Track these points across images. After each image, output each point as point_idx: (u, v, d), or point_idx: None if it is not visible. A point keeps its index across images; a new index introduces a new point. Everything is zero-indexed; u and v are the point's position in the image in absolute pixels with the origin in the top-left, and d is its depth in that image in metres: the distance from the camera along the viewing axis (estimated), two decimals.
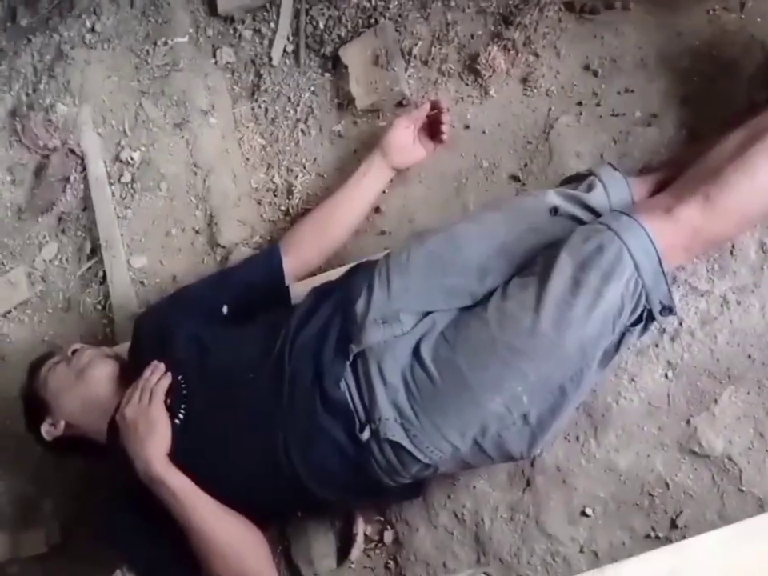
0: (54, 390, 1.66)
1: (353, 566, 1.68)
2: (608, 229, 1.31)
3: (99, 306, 2.09)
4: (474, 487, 1.58)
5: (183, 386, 1.56)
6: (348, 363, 1.42)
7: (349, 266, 1.64)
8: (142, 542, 1.58)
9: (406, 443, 1.37)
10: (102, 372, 1.65)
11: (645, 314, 1.34)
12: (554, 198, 1.43)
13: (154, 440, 1.49)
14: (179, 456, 1.50)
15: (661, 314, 1.34)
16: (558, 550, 1.49)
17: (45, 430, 1.68)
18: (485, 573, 1.31)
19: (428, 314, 1.43)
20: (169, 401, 1.54)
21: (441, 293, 1.44)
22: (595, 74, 1.62)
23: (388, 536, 1.66)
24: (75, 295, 2.13)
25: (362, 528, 1.68)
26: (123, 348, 1.83)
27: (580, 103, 1.63)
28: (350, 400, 1.41)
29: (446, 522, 1.60)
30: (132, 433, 1.51)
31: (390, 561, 1.66)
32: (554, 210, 1.42)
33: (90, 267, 2.12)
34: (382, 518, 1.67)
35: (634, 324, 1.35)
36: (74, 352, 1.69)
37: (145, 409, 1.52)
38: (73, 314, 2.13)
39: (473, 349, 1.36)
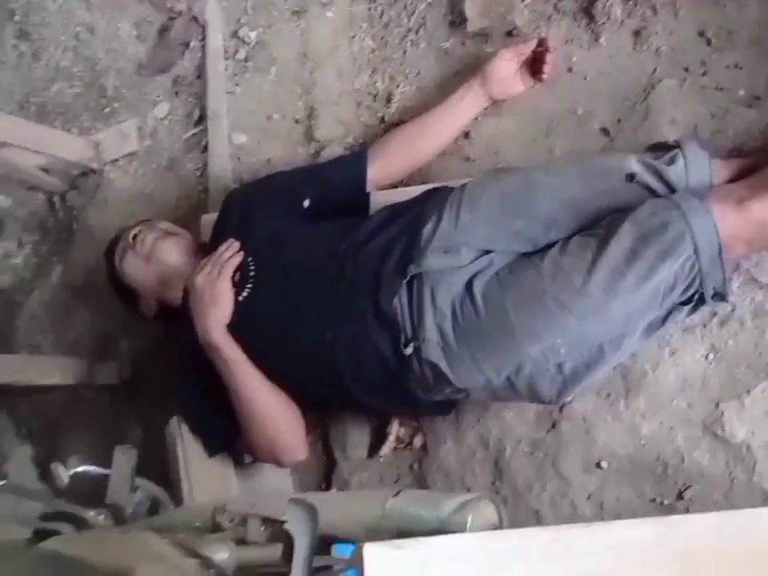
0: (133, 278, 1.82)
1: (381, 459, 1.81)
2: (677, 208, 1.32)
3: (197, 173, 2.20)
4: (504, 417, 1.67)
5: (252, 267, 1.67)
6: (405, 282, 1.50)
7: (426, 187, 1.69)
8: (196, 399, 1.76)
9: (443, 366, 1.46)
10: (167, 251, 1.79)
11: (696, 296, 1.37)
12: (633, 164, 1.43)
13: (216, 309, 1.62)
14: (237, 330, 1.63)
15: (712, 299, 1.37)
16: (567, 492, 1.58)
17: (142, 310, 1.86)
18: (489, 499, 1.41)
19: (487, 252, 1.49)
20: (237, 278, 1.66)
21: (505, 234, 1.49)
22: (708, 42, 1.58)
23: (417, 441, 1.78)
24: (178, 157, 2.25)
25: (395, 429, 1.80)
26: (212, 217, 1.95)
27: (686, 69, 1.59)
28: (400, 316, 1.49)
29: (472, 442, 1.70)
30: (198, 299, 1.64)
31: (414, 464, 1.78)
32: (631, 177, 1.43)
33: (195, 134, 2.22)
34: (416, 424, 1.78)
35: (684, 303, 1.38)
36: (134, 237, 1.81)
37: (213, 280, 1.64)
38: (173, 174, 2.25)
39: (522, 295, 1.41)
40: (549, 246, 1.44)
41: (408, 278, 1.50)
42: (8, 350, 2.40)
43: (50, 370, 2.23)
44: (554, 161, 1.67)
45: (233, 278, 1.66)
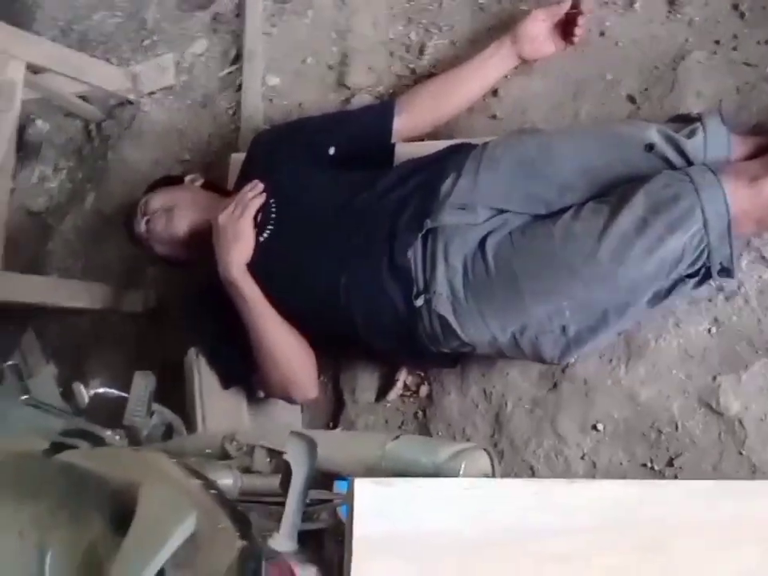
0: (169, 254, 1.89)
1: (388, 405, 1.86)
2: (690, 181, 1.34)
3: (230, 111, 2.24)
4: (508, 374, 1.71)
5: (274, 209, 1.71)
6: (420, 235, 1.53)
7: (450, 142, 1.71)
8: (215, 333, 1.83)
9: (451, 320, 1.51)
10: (179, 227, 1.81)
11: (702, 269, 1.39)
12: (653, 134, 1.45)
13: (236, 248, 1.67)
14: (257, 269, 1.68)
15: (719, 274, 1.39)
16: (563, 449, 1.63)
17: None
18: (485, 449, 1.46)
19: (502, 212, 1.52)
20: (259, 218, 1.71)
21: (521, 196, 1.52)
22: (742, 15, 1.57)
23: (423, 390, 1.83)
24: (212, 94, 2.29)
25: (403, 376, 1.85)
26: (241, 156, 1.99)
27: (717, 42, 1.59)
28: (413, 268, 1.54)
29: (475, 395, 1.75)
30: (221, 237, 1.69)
31: (419, 411, 1.84)
32: (650, 147, 1.44)
33: (230, 72, 2.26)
34: (423, 374, 1.84)
35: (690, 276, 1.41)
36: (147, 230, 1.84)
37: (236, 219, 1.68)
38: (207, 111, 2.30)
39: (532, 257, 1.45)
40: (563, 210, 1.47)
41: (424, 231, 1.53)
42: (40, 272, 2.48)
43: (78, 294, 2.31)
44: (578, 125, 1.68)
45: (255, 218, 1.70)
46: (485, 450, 1.47)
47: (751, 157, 1.43)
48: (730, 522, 1.24)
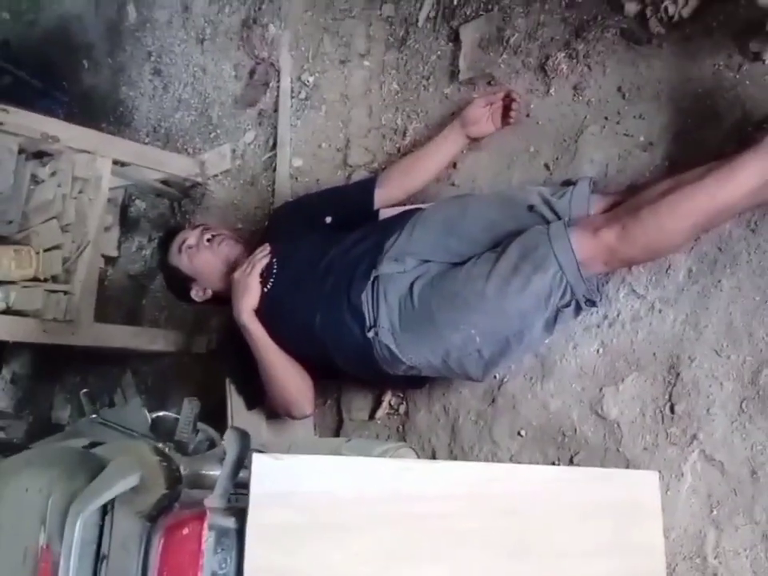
0: (200, 269, 2.29)
1: (378, 422, 2.29)
2: (546, 234, 1.71)
3: (269, 189, 2.76)
4: (461, 392, 2.10)
5: (275, 266, 2.19)
6: (370, 282, 1.96)
7: (404, 208, 2.14)
8: (238, 367, 2.31)
9: (393, 347, 1.92)
10: (239, 256, 2.26)
11: (573, 301, 1.75)
12: (534, 197, 1.83)
13: (246, 298, 2.13)
14: (264, 314, 2.14)
15: (586, 305, 1.75)
16: (497, 453, 1.99)
17: (194, 295, 2.35)
18: (411, 447, 1.85)
19: (427, 261, 1.93)
20: (265, 274, 2.18)
21: (442, 248, 1.92)
22: (624, 96, 1.91)
23: (402, 408, 2.24)
24: (257, 175, 2.82)
25: (388, 398, 2.27)
26: None
27: (606, 118, 1.94)
28: (365, 307, 1.96)
29: (438, 411, 2.15)
30: (235, 290, 2.16)
31: (400, 426, 2.24)
32: (531, 207, 1.83)
33: (269, 156, 2.78)
34: (402, 395, 2.25)
35: (566, 306, 1.77)
36: (212, 237, 2.29)
37: (246, 275, 2.16)
38: (254, 188, 2.83)
39: (443, 295, 1.85)
40: (471, 258, 1.87)
41: (372, 278, 1.96)
42: (136, 323, 3.08)
43: (156, 340, 2.87)
44: (488, 192, 2.08)
45: (262, 274, 2.18)
46: (411, 447, 1.87)
47: (607, 211, 1.77)
48: (576, 498, 1.58)
